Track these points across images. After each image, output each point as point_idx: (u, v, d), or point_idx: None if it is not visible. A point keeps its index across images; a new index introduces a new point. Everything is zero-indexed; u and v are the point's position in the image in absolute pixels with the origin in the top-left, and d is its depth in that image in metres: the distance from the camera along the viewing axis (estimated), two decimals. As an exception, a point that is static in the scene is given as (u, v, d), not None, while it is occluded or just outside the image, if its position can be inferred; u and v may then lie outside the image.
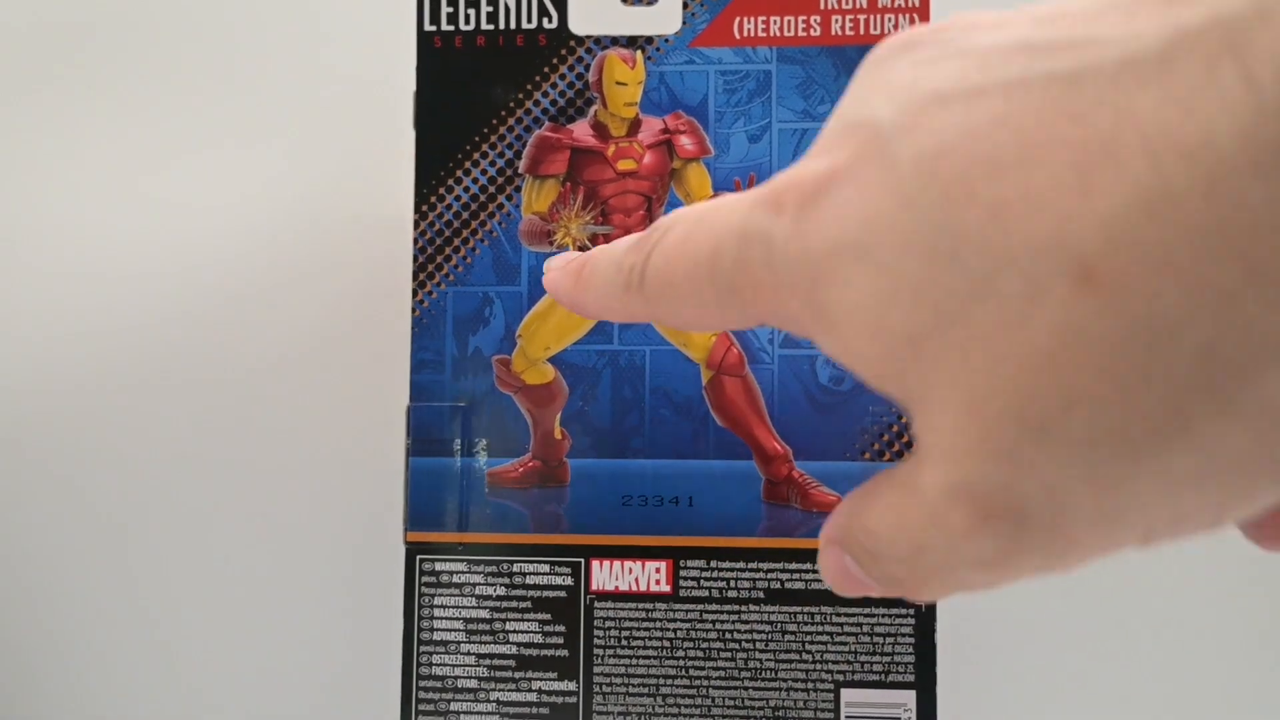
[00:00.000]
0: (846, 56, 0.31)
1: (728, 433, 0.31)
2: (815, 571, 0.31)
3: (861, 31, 0.31)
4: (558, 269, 0.23)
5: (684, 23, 0.32)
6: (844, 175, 0.15)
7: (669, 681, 0.31)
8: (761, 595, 0.31)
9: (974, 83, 0.14)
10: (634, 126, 0.32)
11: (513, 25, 0.33)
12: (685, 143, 0.32)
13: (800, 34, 0.32)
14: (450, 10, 0.33)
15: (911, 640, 0.30)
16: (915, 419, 0.15)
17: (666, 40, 0.32)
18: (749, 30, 0.32)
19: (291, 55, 0.39)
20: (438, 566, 0.32)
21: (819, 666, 0.31)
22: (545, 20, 0.33)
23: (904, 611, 0.30)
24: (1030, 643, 0.39)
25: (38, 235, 0.38)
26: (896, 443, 0.31)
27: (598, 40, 0.32)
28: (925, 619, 0.30)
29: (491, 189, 0.33)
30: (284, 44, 0.39)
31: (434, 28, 0.33)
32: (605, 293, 0.21)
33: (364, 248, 0.36)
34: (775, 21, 0.32)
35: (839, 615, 0.31)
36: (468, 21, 0.33)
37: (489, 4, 0.33)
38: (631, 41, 0.32)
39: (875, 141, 0.15)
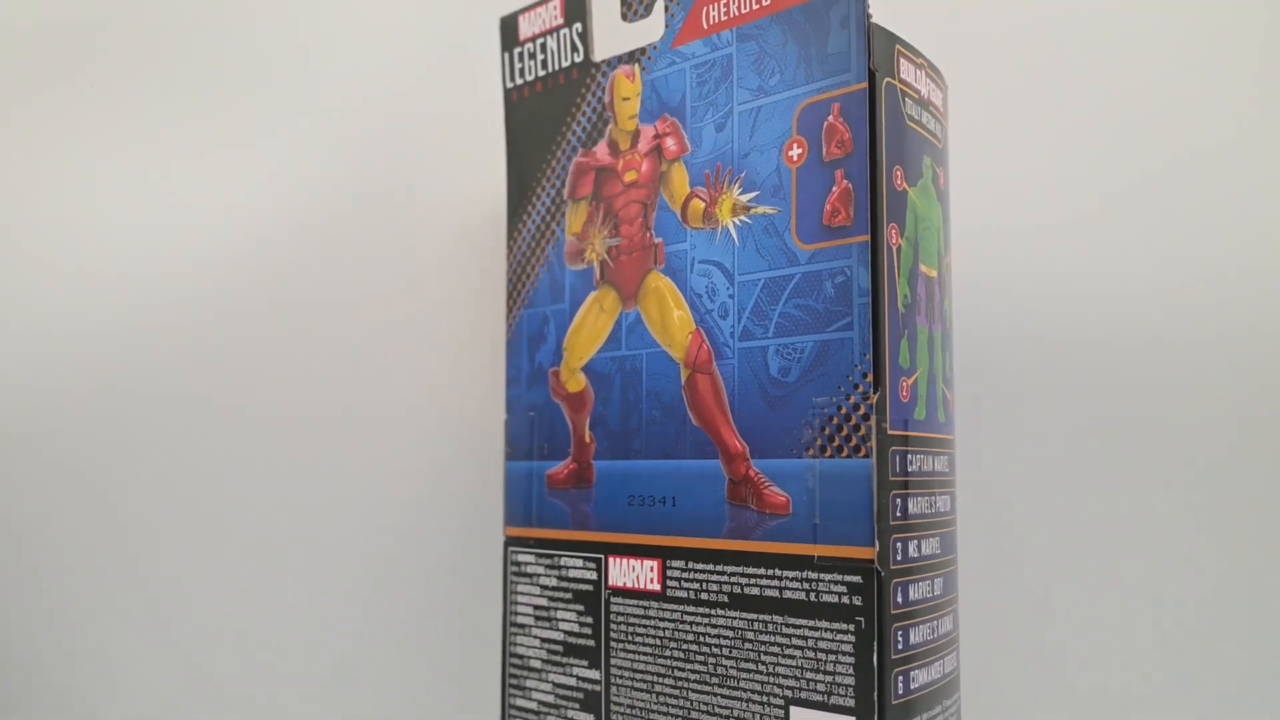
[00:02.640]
0: (793, 19, 0.30)
1: (702, 431, 0.31)
2: (770, 577, 0.29)
3: (806, -12, 0.29)
4: None
5: (665, 26, 0.33)
6: None
7: (660, 680, 0.32)
8: (726, 599, 0.30)
9: None
10: (635, 138, 0.34)
11: (555, 67, 0.37)
12: (670, 144, 0.33)
13: (754, 8, 0.31)
14: (520, 66, 0.39)
15: (851, 659, 0.27)
16: None
17: (655, 48, 0.34)
18: (714, 17, 0.32)
19: (401, 113, 0.47)
20: (519, 558, 0.37)
21: (772, 680, 0.29)
22: (575, 55, 0.36)
23: (844, 627, 0.27)
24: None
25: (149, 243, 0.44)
26: (836, 436, 0.28)
27: (609, 62, 0.35)
28: (865, 636, 0.27)
29: (547, 216, 0.37)
30: (399, 103, 0.47)
31: (512, 83, 0.39)
32: None
33: (475, 282, 0.43)
34: (735, 1, 0.31)
35: (789, 626, 0.29)
36: (530, 73, 0.38)
37: (540, 51, 0.38)
38: (631, 57, 0.34)
39: None
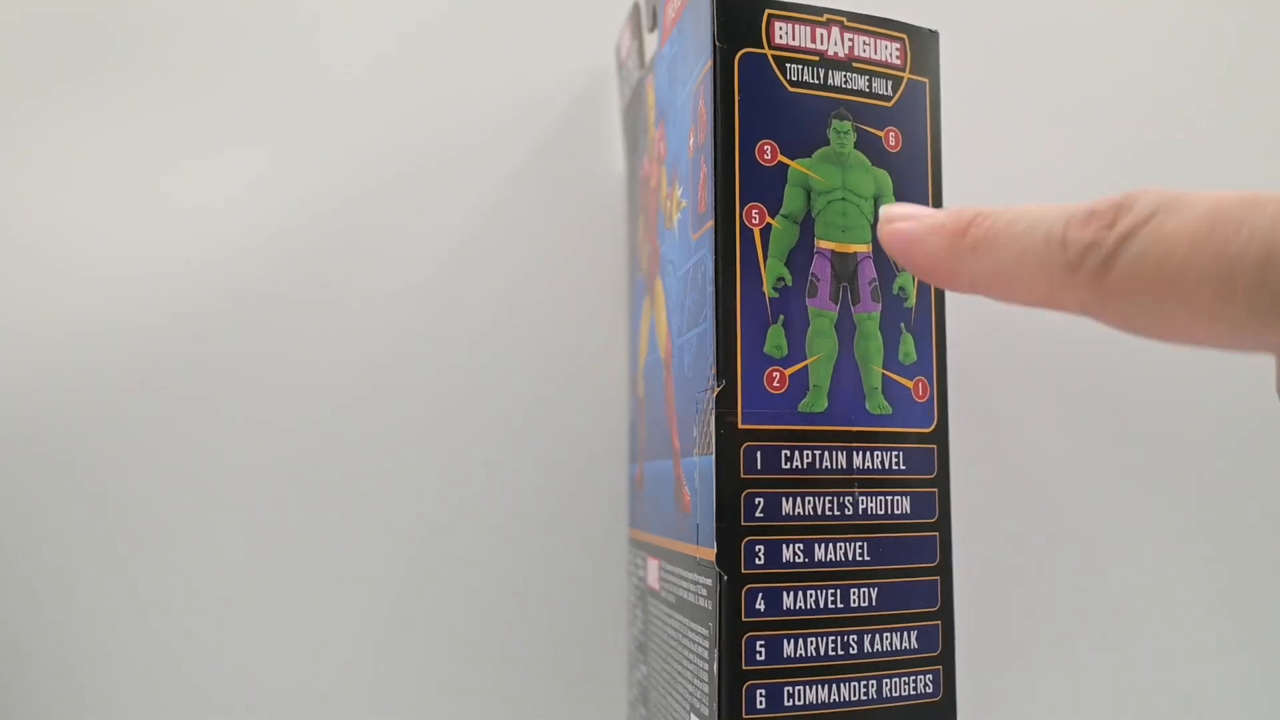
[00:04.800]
0: (694, 3, 0.29)
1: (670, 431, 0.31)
2: (690, 581, 0.29)
3: (698, -30, 0.29)
4: (916, 223, 0.20)
5: (660, 33, 0.34)
6: None
7: (658, 679, 0.32)
8: (673, 600, 0.30)
9: None
10: (654, 145, 0.35)
11: (632, 84, 0.39)
12: (661, 149, 0.34)
13: (680, 6, 0.31)
14: (623, 87, 0.41)
15: (706, 667, 0.26)
16: None
17: (658, 55, 0.34)
18: (670, 14, 0.32)
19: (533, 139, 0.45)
20: (630, 555, 0.39)
21: (685, 686, 0.28)
22: (637, 71, 0.38)
23: (704, 632, 0.26)
24: None
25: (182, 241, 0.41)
26: (703, 433, 0.27)
27: (644, 74, 0.36)
28: (712, 642, 0.25)
29: (632, 229, 0.39)
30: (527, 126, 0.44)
31: (621, 104, 0.42)
32: (1029, 268, 0.18)
33: (602, 295, 0.44)
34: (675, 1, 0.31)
35: (692, 630, 0.28)
36: (626, 93, 0.41)
37: (628, 72, 0.40)
38: (650, 66, 0.35)
39: None
